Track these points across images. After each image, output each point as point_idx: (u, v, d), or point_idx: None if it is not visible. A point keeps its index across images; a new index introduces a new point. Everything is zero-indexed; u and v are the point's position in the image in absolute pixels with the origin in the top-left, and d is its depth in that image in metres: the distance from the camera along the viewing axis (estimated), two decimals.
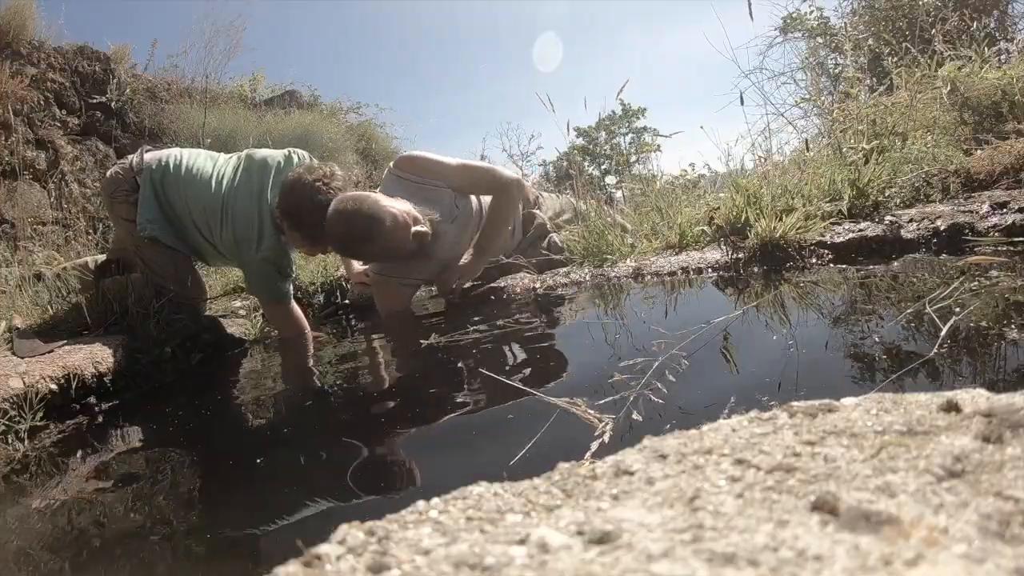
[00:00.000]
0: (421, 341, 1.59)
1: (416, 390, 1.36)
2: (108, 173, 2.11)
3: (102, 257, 2.41)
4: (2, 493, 1.09)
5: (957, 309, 1.07)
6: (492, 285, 2.22)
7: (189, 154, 2.07)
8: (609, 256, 2.21)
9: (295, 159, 2.05)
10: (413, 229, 1.89)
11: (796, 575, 0.27)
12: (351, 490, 0.88)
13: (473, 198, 2.23)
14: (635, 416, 0.87)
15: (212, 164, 2.04)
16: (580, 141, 10.17)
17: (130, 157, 2.07)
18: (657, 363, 1.04)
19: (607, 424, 0.84)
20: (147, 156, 2.04)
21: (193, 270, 2.12)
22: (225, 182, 1.96)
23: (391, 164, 2.18)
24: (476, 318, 1.79)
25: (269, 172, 1.98)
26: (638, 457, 0.43)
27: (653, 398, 0.93)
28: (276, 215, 1.92)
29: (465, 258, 2.19)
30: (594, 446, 0.79)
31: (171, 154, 2.05)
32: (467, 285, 2.20)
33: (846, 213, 1.99)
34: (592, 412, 0.89)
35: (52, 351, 1.63)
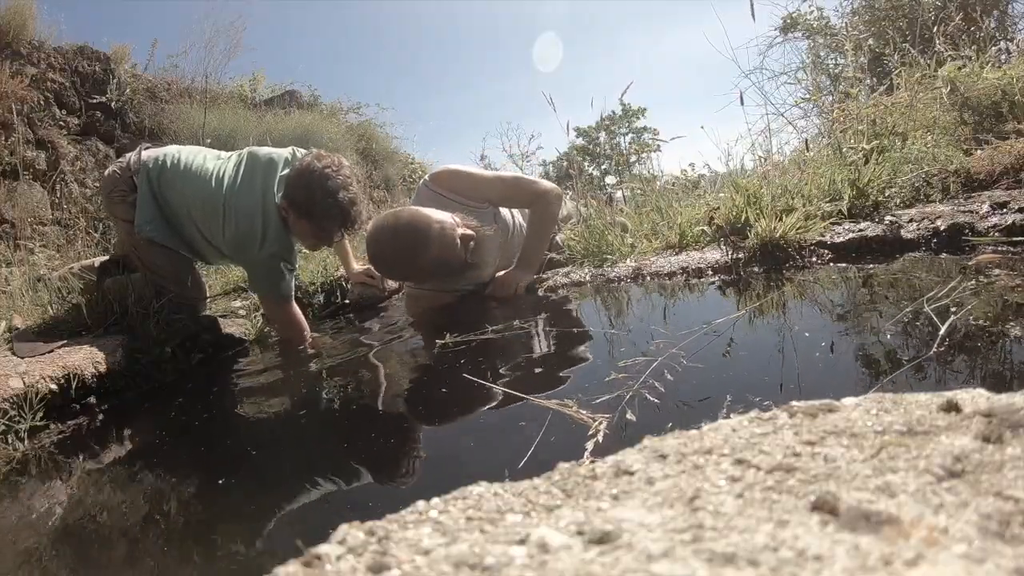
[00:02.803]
0: (420, 344, 1.59)
1: (414, 392, 1.36)
2: (106, 172, 2.10)
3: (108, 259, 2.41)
4: (2, 493, 1.09)
5: (953, 309, 1.07)
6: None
7: (188, 152, 2.06)
8: (609, 256, 2.21)
9: (299, 157, 2.04)
10: (459, 231, 1.81)
11: (796, 575, 0.27)
12: (351, 490, 0.88)
13: (508, 214, 2.20)
14: (629, 416, 0.87)
15: (212, 162, 2.03)
16: (580, 141, 10.19)
17: (128, 155, 2.06)
18: (655, 363, 1.04)
19: (601, 424, 0.84)
20: (145, 154, 2.03)
21: (193, 270, 2.12)
22: (226, 180, 1.95)
23: (425, 178, 2.10)
24: (476, 319, 1.78)
25: (274, 170, 1.97)
26: (638, 457, 0.43)
27: (649, 397, 0.93)
28: (282, 206, 1.90)
29: (512, 267, 2.12)
30: (589, 446, 0.79)
31: (169, 152, 2.04)
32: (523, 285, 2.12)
33: (846, 213, 1.99)
34: (584, 412, 0.89)
35: (52, 351, 1.63)
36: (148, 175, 1.97)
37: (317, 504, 0.85)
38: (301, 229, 1.93)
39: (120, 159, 2.10)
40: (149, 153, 2.04)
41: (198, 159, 2.02)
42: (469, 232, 1.84)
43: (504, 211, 2.19)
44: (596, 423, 0.85)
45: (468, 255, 1.86)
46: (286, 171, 1.97)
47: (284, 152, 2.05)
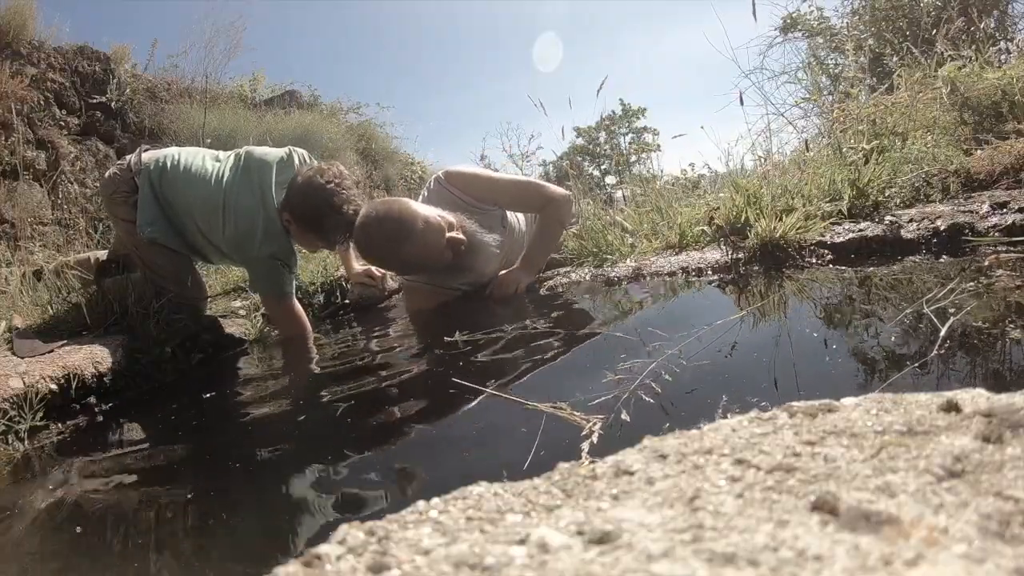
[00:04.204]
0: (419, 345, 1.59)
1: (413, 393, 1.36)
2: (107, 174, 2.11)
3: (103, 253, 2.41)
4: (1, 493, 1.09)
5: (952, 310, 1.07)
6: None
7: (187, 153, 2.07)
8: (609, 256, 2.21)
9: (295, 157, 2.05)
10: (447, 235, 1.82)
11: (796, 575, 0.27)
12: (351, 490, 0.88)
13: (515, 217, 2.19)
14: (624, 417, 0.87)
15: (211, 162, 2.03)
16: (580, 141, 10.19)
17: (128, 157, 2.07)
18: (653, 364, 1.04)
19: (595, 425, 0.84)
20: (145, 156, 2.04)
21: (193, 270, 2.12)
22: (225, 180, 1.96)
23: (439, 175, 2.10)
24: (475, 320, 1.79)
25: (270, 169, 1.98)
26: (638, 457, 0.43)
27: (645, 398, 0.93)
28: (285, 218, 1.91)
29: (514, 267, 2.10)
30: (585, 447, 0.79)
31: (169, 153, 2.04)
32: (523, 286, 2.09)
33: (846, 213, 1.99)
34: (579, 414, 0.89)
35: (52, 351, 1.63)
36: (149, 176, 1.98)
37: (317, 504, 0.85)
38: (307, 239, 1.95)
39: (120, 160, 2.11)
40: (149, 154, 2.05)
41: (197, 160, 2.03)
42: (460, 237, 1.85)
43: (511, 215, 2.19)
44: (590, 424, 0.85)
45: (458, 258, 1.87)
46: (284, 172, 1.98)
47: (280, 152, 2.05)
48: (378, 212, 1.82)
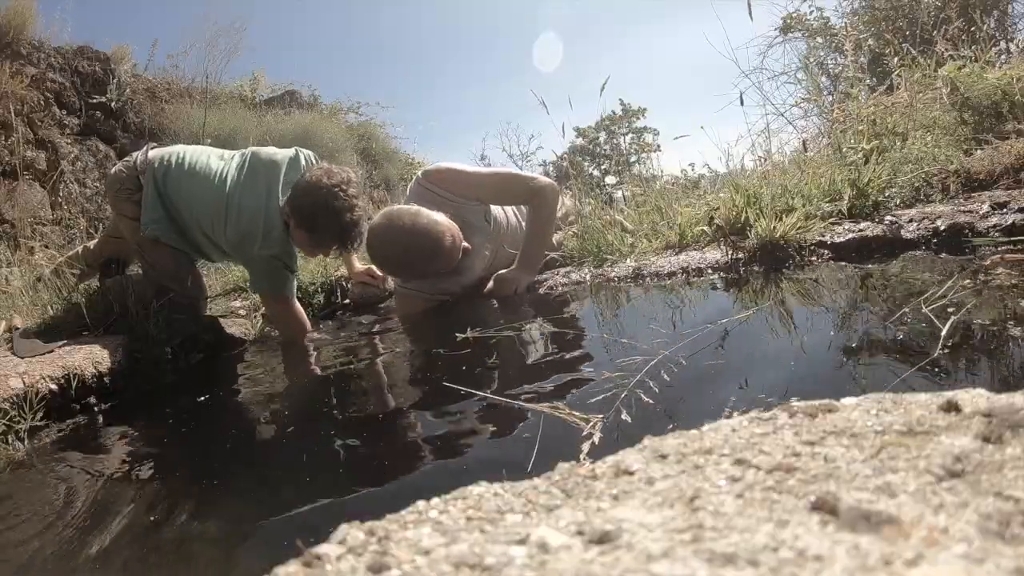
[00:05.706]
0: (419, 346, 1.59)
1: (412, 393, 1.36)
2: (112, 170, 2.12)
3: (92, 243, 2.42)
4: (1, 493, 1.09)
5: (951, 309, 1.07)
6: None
7: (193, 151, 2.07)
8: (609, 256, 2.21)
9: (302, 158, 2.05)
10: (462, 245, 1.88)
11: (796, 575, 0.27)
12: (351, 490, 0.88)
13: (503, 213, 2.19)
14: (624, 417, 0.87)
15: (216, 161, 2.04)
16: (580, 141, 10.18)
17: (135, 154, 2.08)
18: (653, 363, 1.04)
19: (596, 425, 0.84)
20: (151, 154, 2.05)
21: (194, 270, 2.12)
22: (230, 180, 1.96)
23: (419, 174, 2.10)
24: (475, 321, 1.79)
25: (278, 170, 1.98)
26: (638, 457, 0.43)
27: (645, 398, 0.92)
28: (285, 212, 1.91)
29: (513, 267, 2.11)
30: (585, 447, 0.79)
31: (174, 152, 2.05)
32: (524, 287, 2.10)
33: (846, 213, 1.99)
34: (577, 414, 0.89)
35: (52, 351, 1.63)
36: (154, 175, 1.98)
37: (317, 504, 0.85)
38: (300, 237, 1.94)
39: (127, 158, 2.12)
40: (155, 153, 2.05)
41: (202, 159, 2.03)
42: (468, 246, 1.92)
43: (496, 209, 2.18)
44: (590, 424, 0.85)
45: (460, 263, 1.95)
46: (290, 173, 1.98)
47: (287, 152, 2.05)
48: (406, 225, 1.82)
